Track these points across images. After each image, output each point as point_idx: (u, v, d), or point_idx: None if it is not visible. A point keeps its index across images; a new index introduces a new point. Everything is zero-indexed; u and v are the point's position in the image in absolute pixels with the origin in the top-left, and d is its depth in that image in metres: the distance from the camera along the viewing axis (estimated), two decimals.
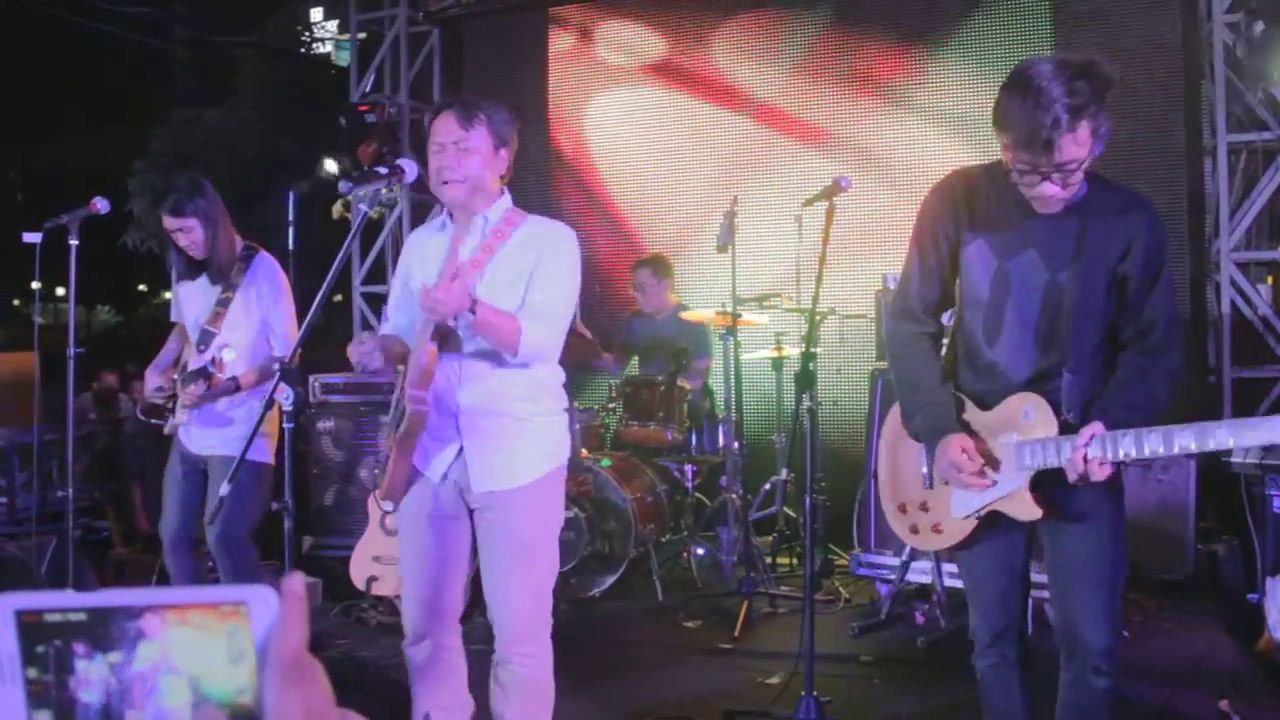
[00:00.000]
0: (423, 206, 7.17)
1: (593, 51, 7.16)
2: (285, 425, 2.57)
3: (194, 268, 3.72)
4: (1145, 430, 2.11)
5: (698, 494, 5.54)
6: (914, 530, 2.47)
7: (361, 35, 7.82)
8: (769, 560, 5.16)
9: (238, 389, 3.57)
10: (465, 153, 2.54)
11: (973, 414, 2.34)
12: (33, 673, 0.56)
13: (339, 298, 9.44)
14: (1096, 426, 2.14)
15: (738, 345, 5.09)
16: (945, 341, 2.51)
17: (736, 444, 5.15)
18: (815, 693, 3.14)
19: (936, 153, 6.01)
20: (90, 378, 7.25)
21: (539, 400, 2.62)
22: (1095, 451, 2.12)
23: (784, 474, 5.35)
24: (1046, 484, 2.25)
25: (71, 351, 3.90)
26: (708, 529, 5.56)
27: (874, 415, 4.71)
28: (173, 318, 3.92)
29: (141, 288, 23.38)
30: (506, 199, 2.68)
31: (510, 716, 2.61)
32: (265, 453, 3.62)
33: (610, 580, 4.88)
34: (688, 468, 5.44)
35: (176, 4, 14.52)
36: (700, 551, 5.37)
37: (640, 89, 7.00)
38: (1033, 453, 2.23)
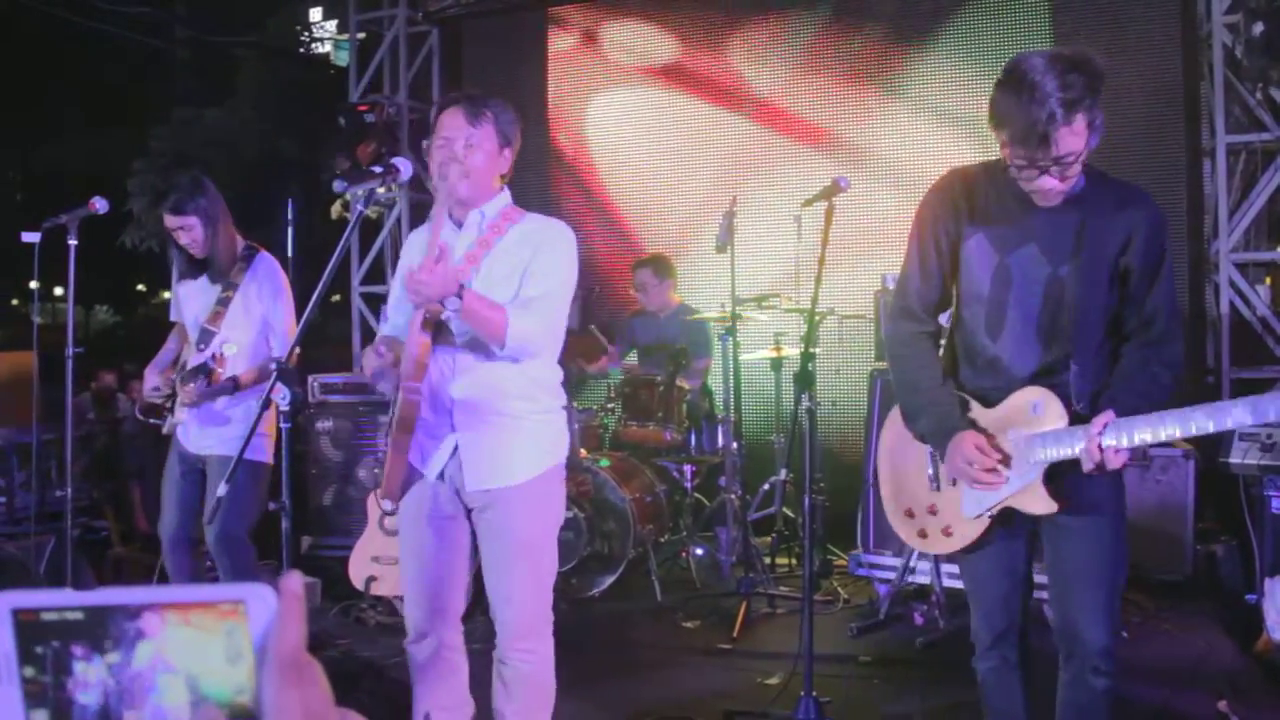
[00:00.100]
0: (422, 206, 7.16)
1: (592, 51, 7.16)
2: (283, 425, 2.56)
3: (195, 266, 3.73)
4: (1160, 414, 2.10)
5: (697, 494, 5.54)
6: (922, 535, 2.45)
7: (361, 35, 7.82)
8: (768, 560, 5.16)
9: (236, 388, 3.57)
10: (469, 149, 2.54)
11: (977, 412, 2.33)
12: (29, 672, 0.55)
13: (337, 297, 9.44)
14: (1109, 415, 2.13)
15: (736, 345, 5.09)
16: (943, 342, 2.50)
17: (735, 444, 5.15)
18: (814, 693, 3.14)
19: (936, 153, 6.01)
20: (89, 377, 7.24)
21: (536, 398, 2.61)
22: (1111, 439, 2.11)
23: (783, 474, 5.34)
24: (1052, 482, 2.25)
25: (70, 351, 3.90)
26: (707, 529, 5.56)
27: (873, 415, 4.72)
28: (172, 317, 3.92)
29: (140, 287, 23.38)
30: (505, 196, 2.68)
31: (511, 713, 2.62)
32: (263, 452, 3.62)
33: (609, 580, 4.88)
34: (687, 468, 5.44)
35: (176, 4, 14.52)
36: (699, 552, 5.37)
37: (639, 89, 7.00)
38: (1045, 445, 2.22)
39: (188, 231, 3.62)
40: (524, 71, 7.26)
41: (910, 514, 2.47)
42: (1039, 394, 2.26)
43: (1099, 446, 2.11)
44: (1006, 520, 2.31)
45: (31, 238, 4.01)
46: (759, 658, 4.09)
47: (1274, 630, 3.72)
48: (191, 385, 3.46)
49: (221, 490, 2.62)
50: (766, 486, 5.50)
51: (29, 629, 0.56)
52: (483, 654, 2.75)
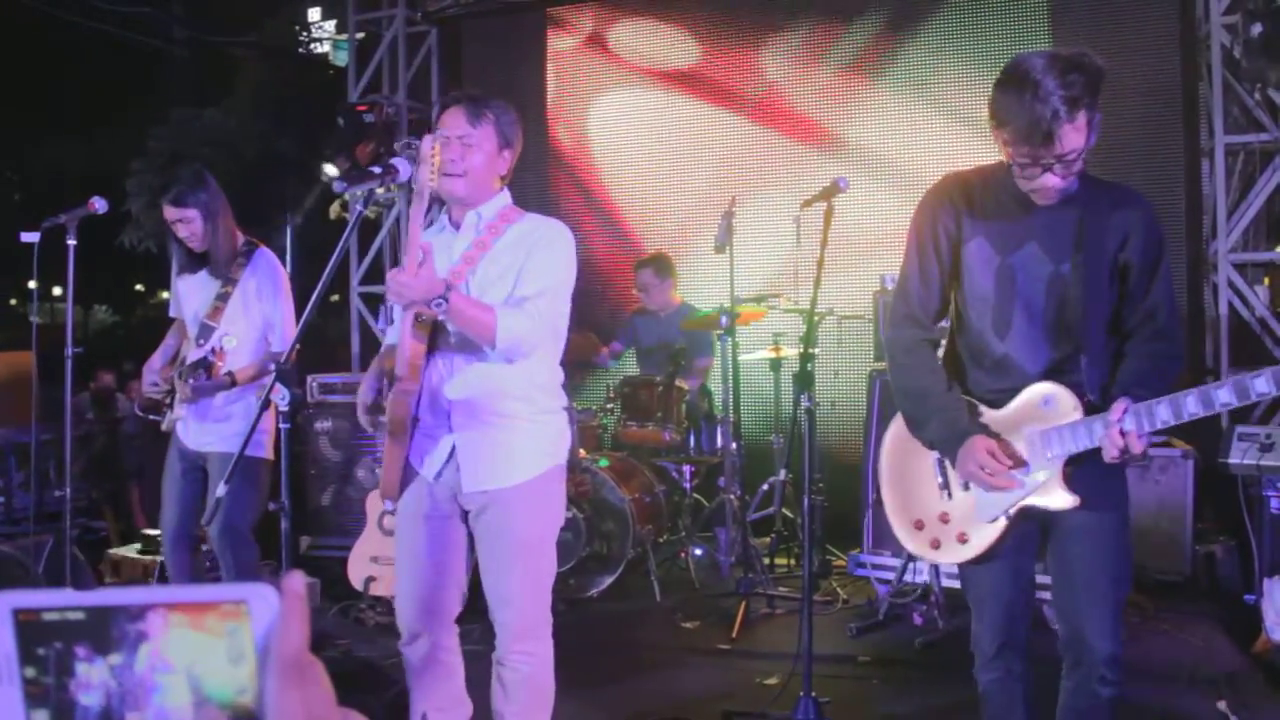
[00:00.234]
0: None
1: (591, 51, 7.15)
2: (282, 425, 2.56)
3: (194, 261, 3.73)
4: (1180, 394, 2.09)
5: (696, 495, 5.53)
6: (935, 545, 2.40)
7: (360, 35, 7.82)
8: (767, 561, 5.16)
9: (233, 383, 3.57)
10: (469, 148, 2.54)
11: (986, 415, 2.32)
12: (30, 672, 0.55)
13: (335, 298, 9.44)
14: (1125, 401, 2.12)
15: (736, 346, 5.09)
16: (942, 342, 2.50)
17: (734, 444, 5.15)
18: (813, 693, 3.14)
19: (937, 154, 6.01)
20: (88, 378, 7.24)
21: (534, 399, 2.60)
22: (1131, 424, 2.10)
23: (782, 475, 5.34)
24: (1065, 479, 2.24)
25: (69, 351, 3.89)
26: (706, 530, 5.55)
27: (872, 416, 4.72)
28: (172, 313, 3.93)
29: (139, 288, 23.36)
30: (504, 197, 2.67)
31: (510, 715, 2.61)
32: (263, 448, 3.63)
33: (608, 581, 4.88)
34: (686, 468, 5.44)
35: (174, 4, 14.50)
36: (698, 552, 5.37)
37: (639, 89, 7.00)
38: (1061, 438, 2.21)
39: (187, 224, 3.62)
40: (523, 72, 7.26)
41: (919, 525, 2.43)
42: (1049, 388, 2.26)
43: (1121, 432, 2.10)
44: (1021, 521, 2.30)
45: (30, 238, 4.00)
46: (758, 658, 4.09)
47: (1273, 630, 3.73)
48: (190, 381, 3.46)
49: (221, 490, 2.62)
50: (765, 487, 5.50)
51: (30, 629, 0.55)
52: (482, 655, 2.74)
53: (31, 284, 4.21)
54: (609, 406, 5.43)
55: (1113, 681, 2.27)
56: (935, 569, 4.32)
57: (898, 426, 2.50)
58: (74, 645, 0.55)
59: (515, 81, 7.16)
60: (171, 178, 3.69)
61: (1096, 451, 2.18)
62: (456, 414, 2.56)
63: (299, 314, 3.29)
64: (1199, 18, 5.70)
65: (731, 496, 5.15)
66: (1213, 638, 4.12)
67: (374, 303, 7.43)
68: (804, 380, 3.20)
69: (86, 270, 4.41)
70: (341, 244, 2.58)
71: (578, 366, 5.63)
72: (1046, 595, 3.69)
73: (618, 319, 6.28)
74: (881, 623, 4.42)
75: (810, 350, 3.31)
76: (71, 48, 15.87)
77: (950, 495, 2.37)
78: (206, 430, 3.66)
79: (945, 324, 2.48)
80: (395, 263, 7.33)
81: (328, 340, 9.74)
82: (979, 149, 5.43)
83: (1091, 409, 2.22)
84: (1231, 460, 4.27)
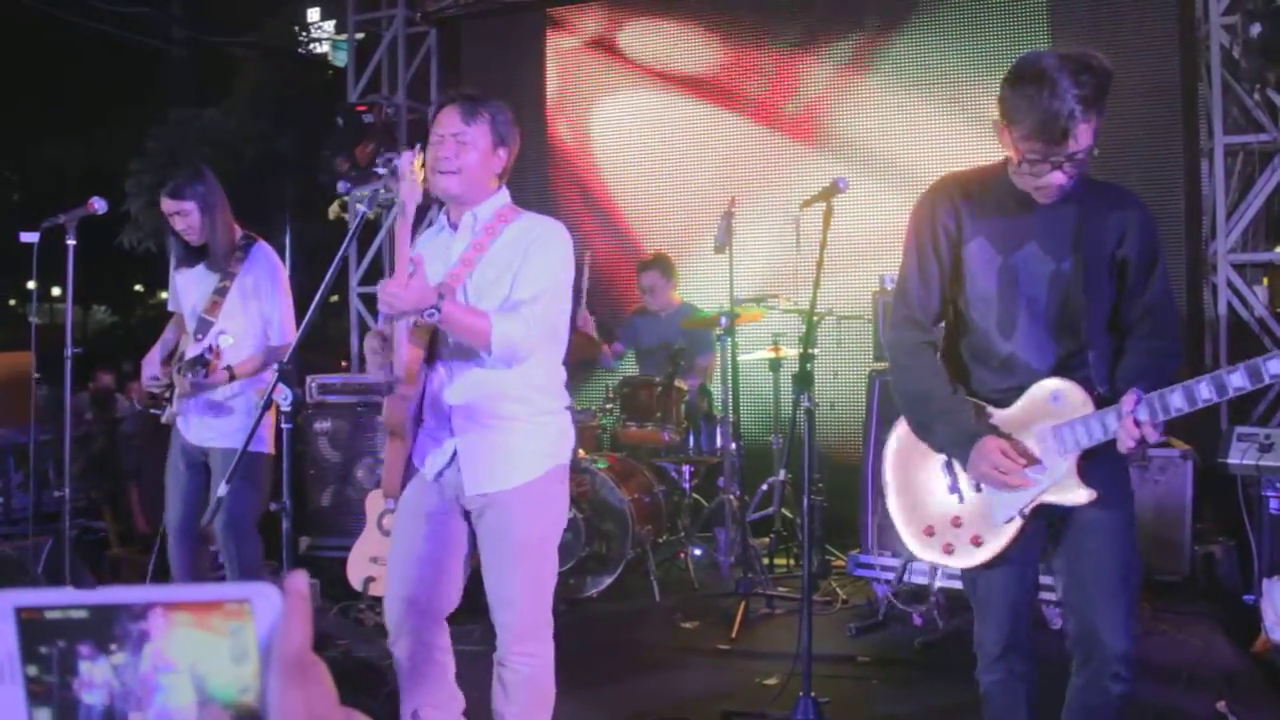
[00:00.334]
0: (422, 207, 7.15)
1: (590, 52, 7.16)
2: (283, 425, 2.57)
3: (191, 254, 3.73)
4: (1193, 381, 2.10)
5: (695, 495, 5.54)
6: (948, 550, 2.37)
7: (359, 35, 7.82)
8: (766, 561, 5.16)
9: (232, 378, 3.58)
10: (463, 146, 2.54)
11: (995, 415, 2.31)
12: (33, 670, 0.55)
13: (335, 298, 9.44)
14: (1135, 392, 2.12)
15: (735, 346, 5.09)
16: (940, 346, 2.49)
17: (734, 445, 5.15)
18: (813, 693, 3.14)
19: (936, 154, 6.02)
20: (87, 378, 7.23)
21: (533, 401, 2.60)
22: (1145, 414, 2.11)
23: (781, 475, 5.35)
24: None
25: (68, 351, 3.90)
26: (705, 530, 5.56)
27: (871, 416, 4.71)
28: (170, 307, 3.94)
29: (138, 288, 23.34)
30: (502, 196, 2.67)
31: (510, 716, 2.61)
32: (264, 443, 3.63)
33: (607, 581, 4.88)
34: (685, 468, 5.44)
35: (174, 4, 14.49)
36: (697, 552, 5.37)
37: (638, 89, 7.00)
38: (1074, 432, 2.21)
39: (184, 217, 3.63)
40: (523, 72, 7.26)
41: (930, 532, 2.39)
42: (1057, 384, 2.25)
43: (1135, 421, 2.10)
44: (1032, 520, 2.29)
45: (30, 238, 4.00)
46: (757, 658, 4.09)
47: (1272, 631, 3.73)
48: (189, 376, 3.47)
49: (221, 490, 2.63)
50: (765, 487, 5.50)
51: (33, 628, 0.55)
52: (483, 656, 2.74)
53: (31, 284, 4.21)
54: (608, 407, 5.43)
55: (1125, 678, 2.26)
56: (935, 569, 4.31)
57: (900, 433, 2.48)
58: (77, 644, 0.55)
59: (515, 81, 7.16)
60: (171, 172, 3.70)
61: (1105, 447, 2.19)
62: (457, 418, 2.57)
63: (299, 315, 3.30)
64: (1198, 18, 5.71)
65: (731, 497, 5.15)
66: (1212, 638, 4.12)
67: (373, 303, 7.41)
68: (803, 381, 3.20)
69: (86, 270, 4.41)
70: (344, 246, 2.59)
71: (580, 366, 5.62)
72: (1045, 595, 3.70)
73: (617, 319, 6.28)
74: (881, 623, 4.42)
75: (809, 351, 3.31)
76: (70, 48, 15.86)
77: (962, 498, 2.35)
78: (207, 426, 3.66)
79: (941, 325, 2.48)
80: (394, 264, 7.32)
81: (327, 341, 9.74)
82: (979, 150, 5.44)
83: (1102, 401, 2.22)
84: (1231, 460, 4.27)
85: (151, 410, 3.79)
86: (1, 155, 18.18)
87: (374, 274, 7.43)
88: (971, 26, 6.17)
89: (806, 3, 6.61)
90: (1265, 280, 5.96)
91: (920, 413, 2.36)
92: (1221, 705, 3.39)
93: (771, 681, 3.77)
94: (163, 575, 4.56)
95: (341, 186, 2.66)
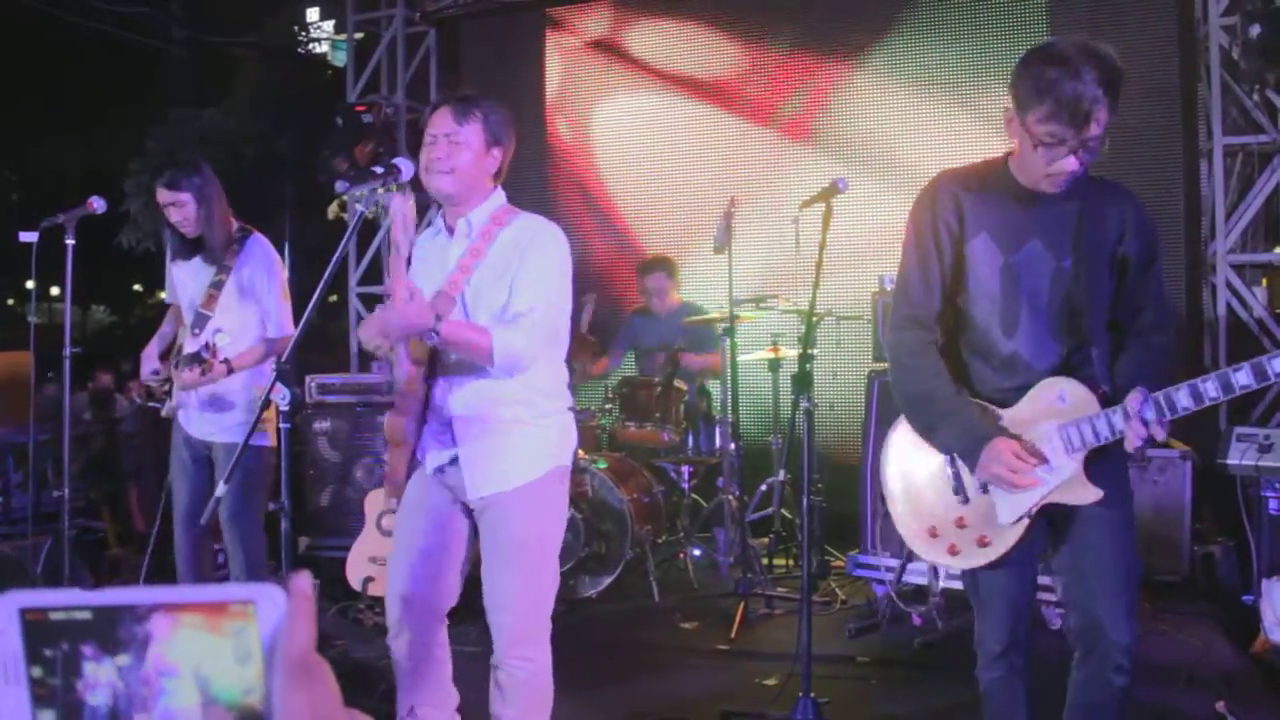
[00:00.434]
0: (421, 207, 7.15)
1: (589, 52, 7.15)
2: (282, 425, 2.56)
3: (186, 247, 3.74)
4: (1199, 380, 2.12)
5: (694, 495, 5.54)
6: (953, 551, 2.36)
7: (358, 35, 7.81)
8: (765, 561, 5.16)
9: (230, 371, 3.58)
10: (456, 146, 2.54)
11: (1003, 416, 2.30)
12: (37, 672, 0.55)
13: (334, 298, 9.44)
14: (1140, 391, 2.14)
15: (734, 346, 5.09)
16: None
17: (733, 445, 5.15)
18: (812, 694, 3.15)
19: (936, 155, 6.00)
20: (86, 378, 7.23)
21: (534, 403, 2.60)
22: (1151, 413, 2.12)
23: (781, 475, 5.34)
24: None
25: (67, 351, 3.89)
26: (704, 530, 5.56)
27: (871, 417, 4.71)
28: (167, 299, 3.95)
29: (137, 288, 23.34)
30: (497, 197, 2.66)
31: (509, 719, 2.60)
32: (266, 436, 3.64)
33: (607, 581, 4.88)
34: (684, 469, 5.44)
35: (173, 4, 14.50)
36: (697, 553, 5.37)
37: (637, 89, 7.00)
38: (1082, 432, 2.21)
39: (179, 208, 3.63)
40: (522, 72, 7.26)
41: (934, 533, 2.38)
42: (1063, 383, 2.26)
43: (1142, 421, 2.11)
44: (1037, 519, 2.29)
45: (29, 237, 4.00)
46: (757, 658, 4.09)
47: (1271, 631, 3.73)
48: (187, 372, 3.47)
49: (220, 490, 2.63)
50: (764, 487, 5.50)
51: (37, 629, 0.55)
52: (480, 657, 2.73)
53: (30, 284, 4.21)
54: (607, 407, 5.43)
55: (1127, 670, 2.27)
56: (934, 569, 4.31)
57: (900, 434, 2.47)
58: (81, 645, 0.55)
59: (514, 81, 7.16)
60: (169, 164, 3.71)
61: (1108, 445, 2.20)
62: (459, 426, 2.58)
63: (297, 316, 3.30)
64: (1197, 19, 5.71)
65: (730, 497, 5.15)
66: (1211, 638, 4.12)
67: (372, 303, 7.43)
68: (802, 381, 3.20)
69: (85, 270, 4.41)
70: (342, 246, 2.58)
71: (573, 368, 5.61)
72: (1044, 595, 3.70)
73: (616, 319, 6.27)
74: (880, 623, 4.42)
75: (809, 351, 3.31)
76: (70, 48, 15.86)
77: (967, 499, 2.34)
78: (209, 420, 3.68)
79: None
80: (391, 284, 7.30)
81: (326, 341, 9.74)
82: (979, 151, 5.42)
83: (1106, 400, 2.23)
84: (1230, 461, 4.27)
85: (151, 404, 3.79)
86: (1, 155, 18.17)
87: (373, 274, 7.43)
88: (971, 27, 6.16)
89: (807, 3, 6.60)
90: (1264, 281, 5.95)
91: (925, 414, 2.34)
92: (1220, 706, 3.39)
93: (771, 682, 3.77)
94: (160, 574, 4.56)
95: (339, 186, 2.65)
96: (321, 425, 5.56)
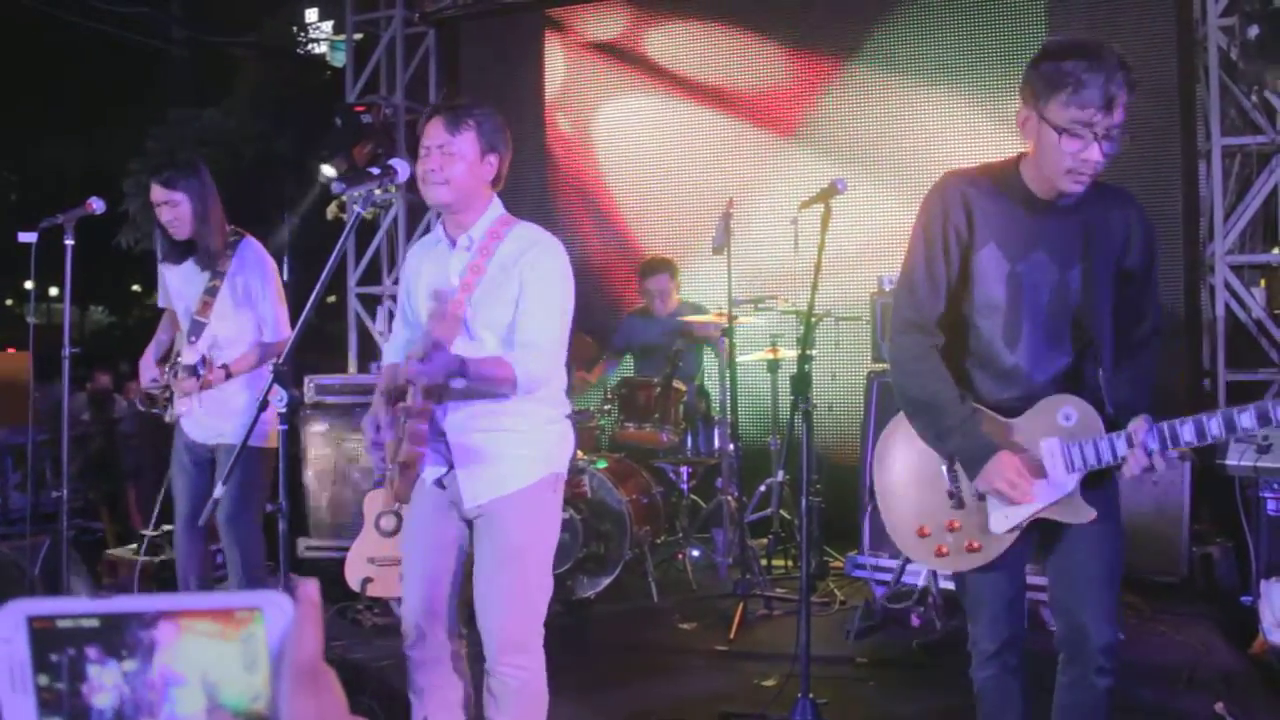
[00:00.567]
0: (418, 207, 7.16)
1: (589, 53, 7.15)
2: (279, 427, 2.56)
3: (176, 250, 3.72)
4: (1204, 416, 2.15)
5: (693, 496, 5.54)
6: (940, 553, 2.36)
7: (357, 36, 7.81)
8: (764, 562, 5.16)
9: (229, 377, 3.58)
10: (449, 157, 2.54)
11: (1008, 425, 2.30)
12: (44, 680, 0.55)
13: (333, 298, 9.44)
14: (1144, 419, 2.15)
15: (733, 347, 5.09)
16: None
17: (732, 446, 5.15)
18: (810, 695, 3.14)
19: (936, 156, 6.01)
20: (84, 378, 7.24)
21: (527, 413, 2.60)
22: (1155, 443, 2.14)
23: (779, 476, 5.34)
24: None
25: (66, 351, 3.89)
26: (703, 531, 5.56)
27: (870, 418, 4.71)
28: (161, 303, 3.92)
29: (136, 288, 23.31)
30: (495, 208, 2.65)
31: None
32: (264, 438, 3.63)
33: (605, 582, 4.88)
34: (683, 469, 5.44)
35: (173, 4, 14.51)
36: (695, 553, 5.37)
37: (636, 90, 7.00)
38: (1084, 453, 2.22)
39: (173, 208, 3.61)
40: (521, 72, 7.26)
41: (923, 533, 2.39)
42: (1070, 402, 2.26)
43: (1146, 451, 2.14)
44: (1030, 528, 2.30)
45: (28, 238, 4.00)
46: (755, 659, 4.09)
47: (1270, 632, 3.73)
48: (186, 381, 3.47)
49: (218, 492, 2.63)
50: (763, 488, 5.50)
51: (44, 636, 0.55)
52: (477, 658, 2.73)
53: (28, 284, 4.21)
54: (606, 407, 5.42)
55: (1110, 670, 2.28)
56: (933, 570, 4.31)
57: (897, 432, 2.46)
58: (86, 651, 0.55)
59: (513, 82, 7.16)
60: (168, 161, 3.71)
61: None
62: (452, 437, 2.58)
63: (295, 317, 3.29)
64: (1196, 20, 5.71)
65: (729, 498, 5.15)
66: (1210, 639, 4.12)
67: (371, 303, 7.43)
68: (801, 382, 3.20)
69: (84, 271, 4.41)
70: (339, 245, 2.58)
71: (584, 382, 5.61)
72: (1044, 596, 3.70)
73: (615, 320, 6.27)
74: (879, 624, 4.42)
75: (808, 352, 3.31)
76: (70, 48, 15.85)
77: (962, 504, 2.34)
78: (212, 424, 3.67)
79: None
80: (393, 263, 7.35)
81: (324, 341, 9.74)
82: (980, 153, 5.44)
83: (1108, 422, 2.24)
84: (1229, 462, 4.27)
85: (153, 411, 3.79)
86: (1, 155, 18.17)
87: (372, 274, 7.42)
88: (971, 28, 6.16)
89: (806, 3, 6.61)
90: (1263, 282, 5.95)
91: (929, 420, 2.32)
92: (1219, 706, 3.40)
93: (770, 682, 3.77)
94: (158, 573, 4.56)
95: (336, 187, 2.65)
96: (320, 426, 5.55)
